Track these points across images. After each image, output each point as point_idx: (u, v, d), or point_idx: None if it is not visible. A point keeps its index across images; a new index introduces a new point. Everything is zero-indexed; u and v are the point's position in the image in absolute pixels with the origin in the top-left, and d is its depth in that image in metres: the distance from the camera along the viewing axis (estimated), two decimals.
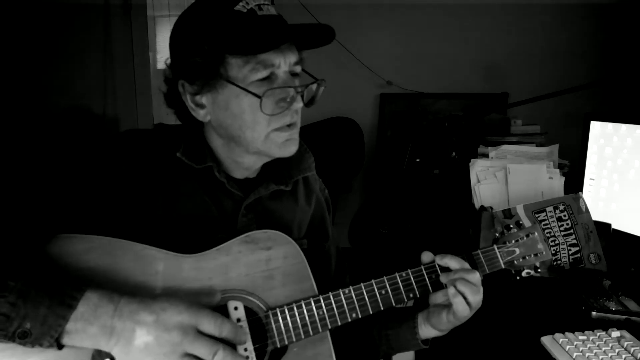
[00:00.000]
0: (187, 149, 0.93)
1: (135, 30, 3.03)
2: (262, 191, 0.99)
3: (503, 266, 1.01)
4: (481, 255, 1.00)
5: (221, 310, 0.85)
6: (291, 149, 0.93)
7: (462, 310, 0.92)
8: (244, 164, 0.98)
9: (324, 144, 2.69)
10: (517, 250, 1.02)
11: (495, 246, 1.02)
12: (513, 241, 1.03)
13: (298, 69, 0.92)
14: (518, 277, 1.03)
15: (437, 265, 0.96)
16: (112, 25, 2.99)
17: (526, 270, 1.02)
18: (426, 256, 0.97)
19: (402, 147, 2.49)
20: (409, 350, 1.07)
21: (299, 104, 0.90)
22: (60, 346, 0.72)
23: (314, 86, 0.93)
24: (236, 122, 0.89)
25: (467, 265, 0.95)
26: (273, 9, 0.89)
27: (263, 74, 0.87)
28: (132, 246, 0.83)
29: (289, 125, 0.91)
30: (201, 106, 0.92)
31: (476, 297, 0.92)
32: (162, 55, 3.52)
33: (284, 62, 0.88)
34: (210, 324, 0.76)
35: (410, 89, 2.85)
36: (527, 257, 1.02)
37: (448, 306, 0.95)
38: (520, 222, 1.05)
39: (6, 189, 0.85)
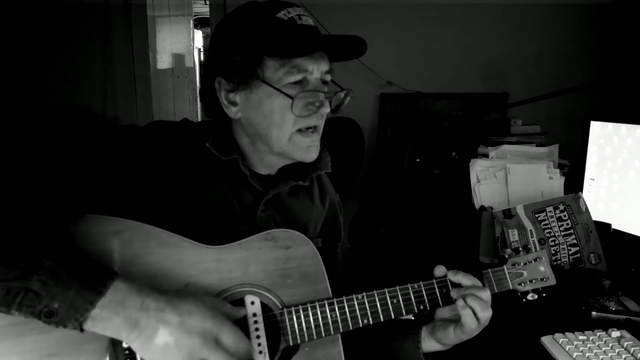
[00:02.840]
0: (215, 140, 0.97)
1: (135, 30, 3.03)
2: (281, 187, 1.02)
3: (511, 287, 1.04)
4: (491, 275, 1.02)
5: (238, 303, 0.87)
6: (312, 155, 0.99)
7: (470, 323, 0.93)
8: (268, 162, 1.02)
9: (324, 144, 2.68)
10: (525, 273, 1.05)
11: (505, 267, 1.04)
12: (522, 264, 1.05)
13: (328, 77, 0.97)
14: (524, 300, 1.05)
15: (448, 280, 0.98)
16: (112, 25, 2.98)
17: (531, 294, 1.05)
18: (439, 270, 0.99)
19: (402, 147, 2.49)
20: None
21: (326, 109, 0.96)
22: (82, 330, 0.73)
23: (342, 95, 0.99)
24: (265, 120, 0.94)
25: (478, 283, 0.97)
26: (311, 21, 0.95)
27: (296, 77, 0.92)
28: (158, 232, 0.85)
29: (314, 129, 0.97)
30: (234, 103, 0.96)
31: (485, 314, 0.93)
32: (162, 55, 3.53)
33: (316, 69, 0.94)
34: (229, 339, 0.78)
35: (410, 89, 2.85)
36: (533, 281, 1.05)
37: (456, 321, 0.96)
38: (529, 247, 1.08)
39: (36, 170, 0.87)
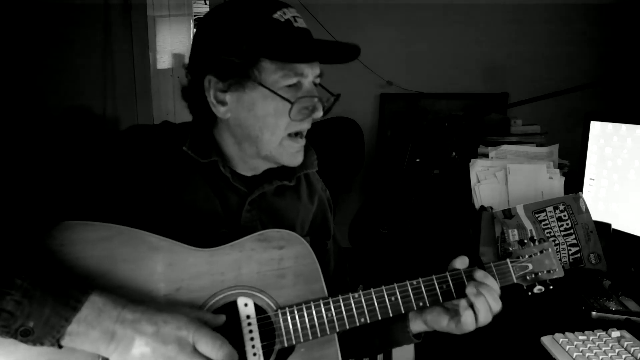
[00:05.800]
0: (193, 143, 0.95)
1: (135, 30, 3.04)
2: (266, 187, 1.01)
3: (515, 281, 1.01)
4: (494, 269, 1.00)
5: (231, 306, 0.86)
6: (299, 160, 0.98)
7: (469, 324, 0.93)
8: (251, 164, 1.00)
9: (324, 144, 2.68)
10: (530, 266, 1.02)
11: (508, 260, 1.02)
12: (526, 256, 1.03)
13: (318, 81, 0.97)
14: (530, 293, 1.02)
15: (448, 275, 0.97)
16: (112, 25, 2.99)
17: (538, 287, 1.02)
18: (461, 261, 0.99)
19: (402, 147, 2.49)
20: (402, 345, 1.07)
21: (319, 113, 0.95)
22: (60, 346, 0.73)
23: (332, 99, 0.99)
24: (258, 123, 0.92)
25: (492, 281, 0.96)
26: (304, 23, 0.94)
27: (293, 80, 0.91)
28: (147, 237, 0.84)
29: (301, 134, 0.96)
30: (223, 103, 0.94)
31: (487, 317, 0.93)
32: (162, 55, 3.53)
33: (311, 73, 0.93)
34: (207, 346, 0.77)
35: (410, 89, 2.85)
36: (539, 274, 1.02)
37: (451, 313, 0.96)
38: (535, 238, 1.04)
39: (12, 183, 0.86)
